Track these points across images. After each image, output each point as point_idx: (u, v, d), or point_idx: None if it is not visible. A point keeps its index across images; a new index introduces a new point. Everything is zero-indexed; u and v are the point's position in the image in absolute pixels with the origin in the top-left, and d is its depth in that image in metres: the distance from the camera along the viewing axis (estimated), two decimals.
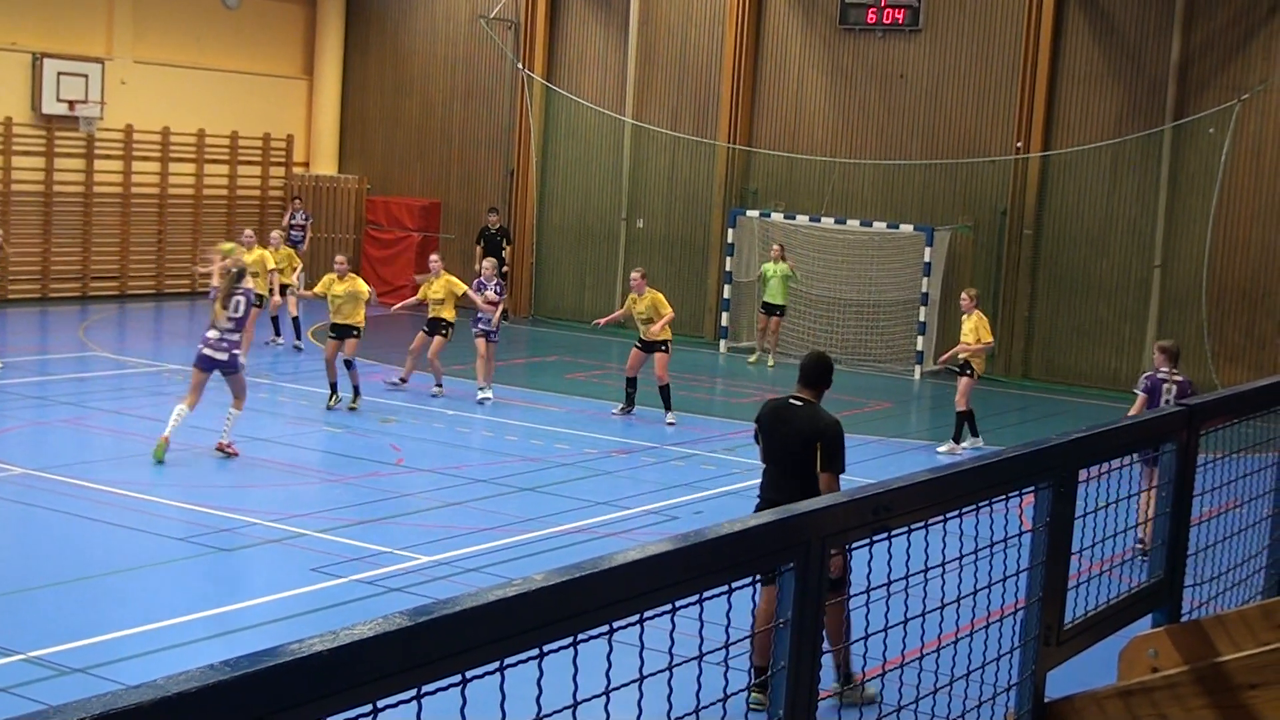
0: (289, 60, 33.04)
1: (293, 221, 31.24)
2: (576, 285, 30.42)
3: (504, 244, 29.66)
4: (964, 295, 19.59)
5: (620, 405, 20.28)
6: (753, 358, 26.48)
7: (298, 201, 31.62)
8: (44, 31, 28.43)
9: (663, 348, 19.86)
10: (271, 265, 23.53)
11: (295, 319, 24.30)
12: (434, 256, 21.84)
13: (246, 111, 31.88)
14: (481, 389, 20.53)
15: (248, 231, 24.13)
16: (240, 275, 16.27)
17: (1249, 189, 24.49)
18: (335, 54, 33.11)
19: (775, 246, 26.08)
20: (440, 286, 20.74)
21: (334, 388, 19.31)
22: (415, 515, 14.33)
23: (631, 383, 20.19)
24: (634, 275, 20.40)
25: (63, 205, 29.05)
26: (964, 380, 19.03)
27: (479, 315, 20.85)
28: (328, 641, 2.40)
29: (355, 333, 19.35)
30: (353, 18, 33.17)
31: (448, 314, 20.67)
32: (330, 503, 14.87)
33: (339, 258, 20.47)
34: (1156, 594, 5.90)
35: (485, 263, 22.10)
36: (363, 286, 19.94)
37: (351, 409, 19.10)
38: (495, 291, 20.99)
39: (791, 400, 9.75)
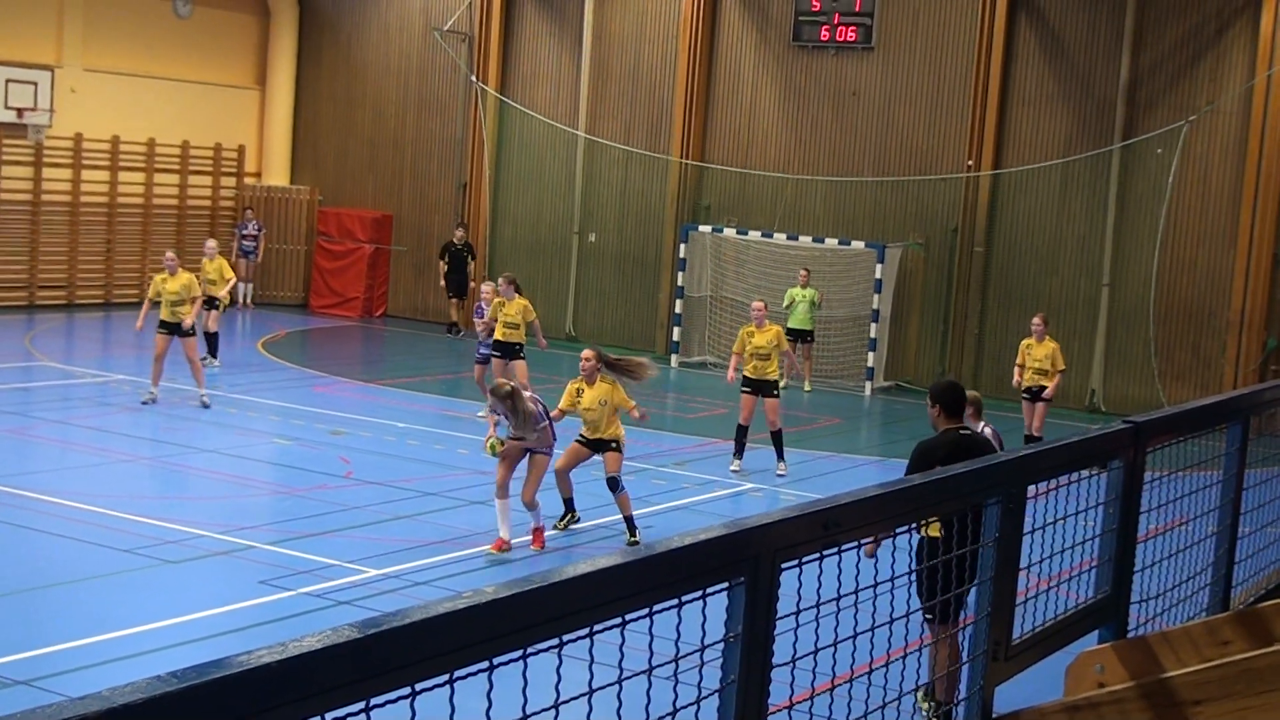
0: (241, 70, 32.88)
1: (244, 231, 31.13)
2: (527, 299, 30.29)
3: (469, 259, 29.56)
4: (1039, 320, 19.45)
5: (736, 461, 18.19)
6: (807, 386, 25.72)
7: (250, 212, 31.50)
8: None
9: (776, 391, 18.13)
10: (230, 275, 23.05)
11: (214, 334, 23.20)
12: (501, 280, 20.35)
13: (198, 121, 31.68)
14: None
15: (210, 242, 23.59)
16: (506, 396, 13.93)
17: (1196, 210, 24.73)
18: (288, 64, 32.96)
19: (802, 272, 25.54)
20: (515, 310, 19.71)
21: (569, 504, 14.89)
22: (364, 528, 14.26)
23: (745, 431, 18.09)
24: (757, 306, 18.66)
25: (10, 214, 28.77)
26: (1043, 405, 19.22)
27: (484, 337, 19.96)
28: (276, 653, 2.39)
29: (615, 446, 14.51)
30: (306, 28, 33.05)
31: (519, 336, 19.79)
32: (279, 515, 14.79)
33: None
34: (1103, 610, 5.95)
35: (485, 286, 21.20)
36: (623, 397, 14.66)
37: (632, 543, 14.15)
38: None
39: (960, 432, 9.97)
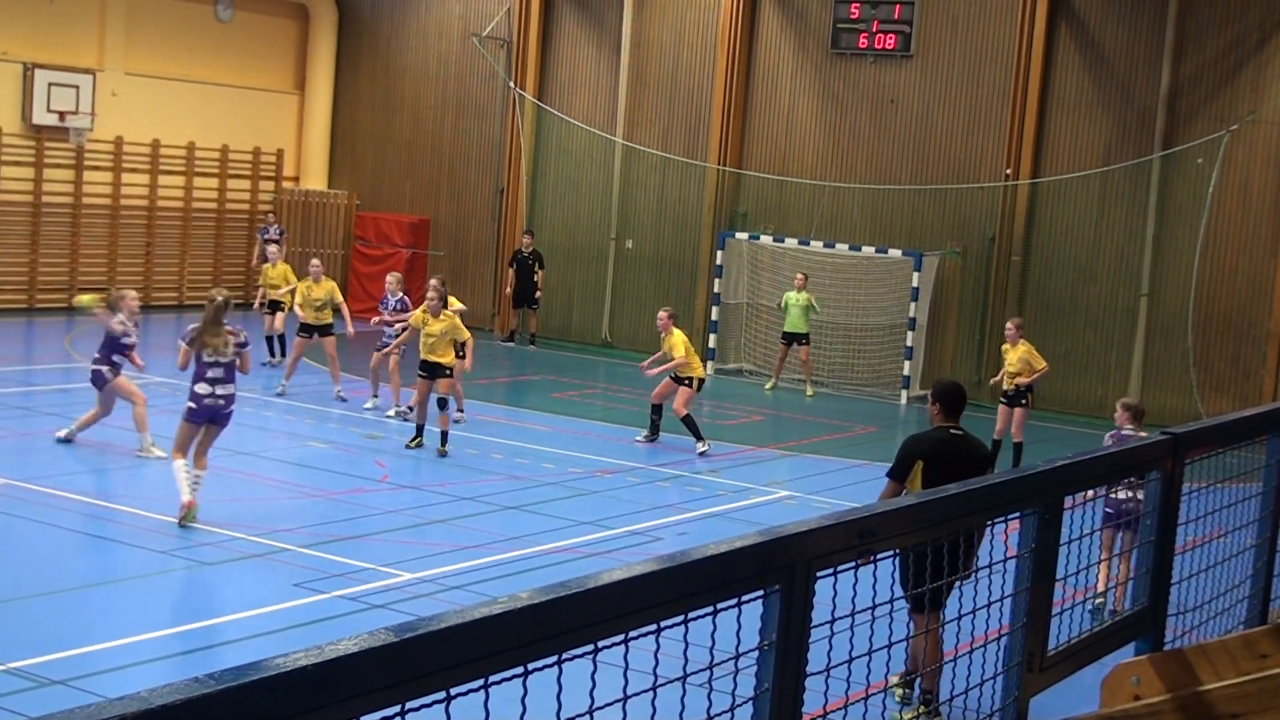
0: (280, 74, 33.04)
1: (266, 236, 31.18)
2: (564, 305, 30.40)
3: (536, 267, 29.33)
4: (1011, 325, 19.78)
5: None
6: (768, 385, 26.08)
7: (271, 216, 31.56)
8: (35, 42, 28.40)
9: (685, 381, 19.48)
10: (293, 281, 23.97)
11: (280, 336, 24.29)
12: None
13: (237, 125, 31.85)
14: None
15: (271, 247, 25.40)
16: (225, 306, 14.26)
17: (1236, 220, 24.58)
18: (327, 69, 33.12)
19: (799, 276, 25.81)
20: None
21: (420, 430, 18.35)
22: (399, 532, 14.30)
23: (657, 410, 19.95)
24: (661, 314, 20.14)
25: (51, 216, 28.99)
26: (1021, 411, 19.35)
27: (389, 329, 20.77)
28: (313, 656, 2.40)
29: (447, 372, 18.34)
30: (345, 33, 33.20)
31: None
32: (314, 518, 14.83)
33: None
34: (1140, 622, 5.91)
35: (391, 277, 21.99)
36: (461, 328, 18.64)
37: (442, 453, 17.94)
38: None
39: (952, 431, 10.01)
